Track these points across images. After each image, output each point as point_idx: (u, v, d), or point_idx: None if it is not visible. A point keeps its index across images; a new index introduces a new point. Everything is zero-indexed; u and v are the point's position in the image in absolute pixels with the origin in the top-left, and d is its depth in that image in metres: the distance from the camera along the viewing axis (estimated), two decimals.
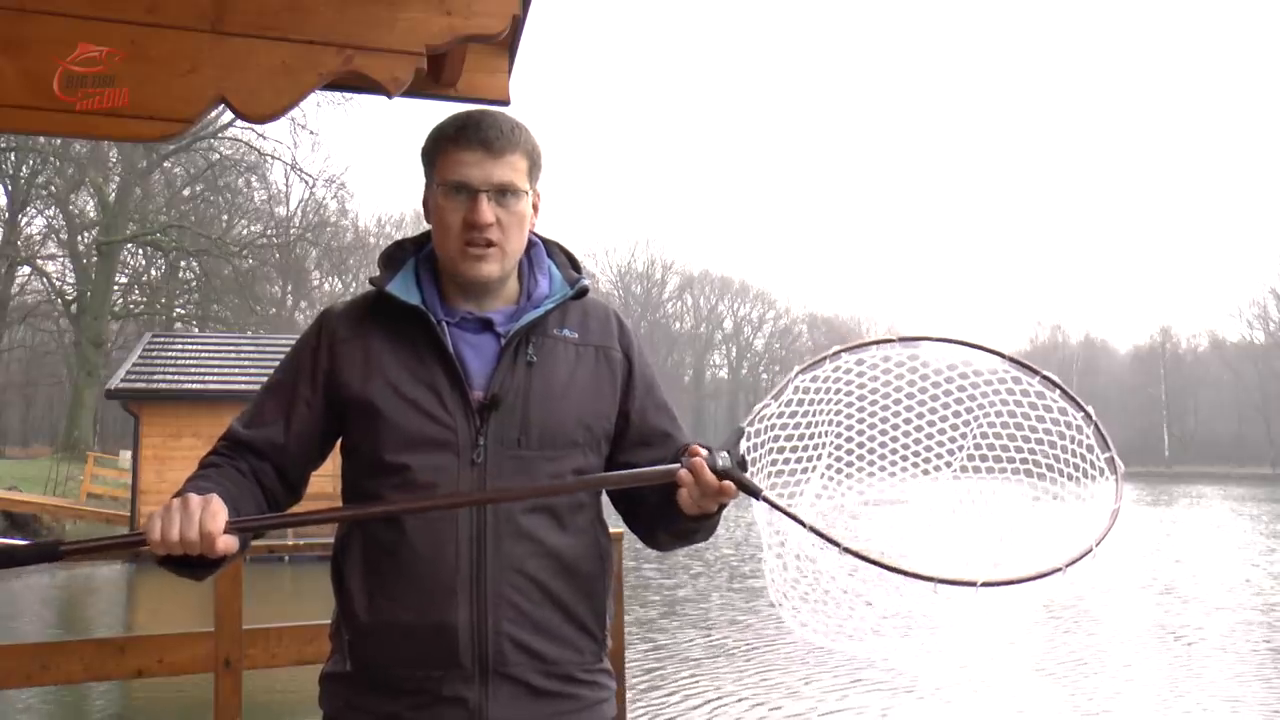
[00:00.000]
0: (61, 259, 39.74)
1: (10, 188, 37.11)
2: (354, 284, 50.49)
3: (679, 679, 9.16)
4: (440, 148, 1.59)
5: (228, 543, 1.37)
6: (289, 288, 48.53)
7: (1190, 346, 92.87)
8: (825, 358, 1.51)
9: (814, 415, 1.51)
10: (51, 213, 39.37)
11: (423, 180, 1.65)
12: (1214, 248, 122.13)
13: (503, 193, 1.56)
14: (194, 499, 1.38)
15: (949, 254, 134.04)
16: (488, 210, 1.54)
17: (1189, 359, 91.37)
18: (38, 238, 39.44)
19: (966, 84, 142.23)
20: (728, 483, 1.43)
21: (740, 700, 8.56)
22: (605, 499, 1.69)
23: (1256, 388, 79.79)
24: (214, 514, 1.37)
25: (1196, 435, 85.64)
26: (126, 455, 23.40)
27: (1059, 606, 13.23)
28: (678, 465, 1.46)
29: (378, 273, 1.64)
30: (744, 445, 1.49)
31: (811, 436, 1.52)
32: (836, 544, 1.35)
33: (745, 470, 1.48)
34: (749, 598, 14.10)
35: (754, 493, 1.44)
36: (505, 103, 2.80)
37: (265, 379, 1.70)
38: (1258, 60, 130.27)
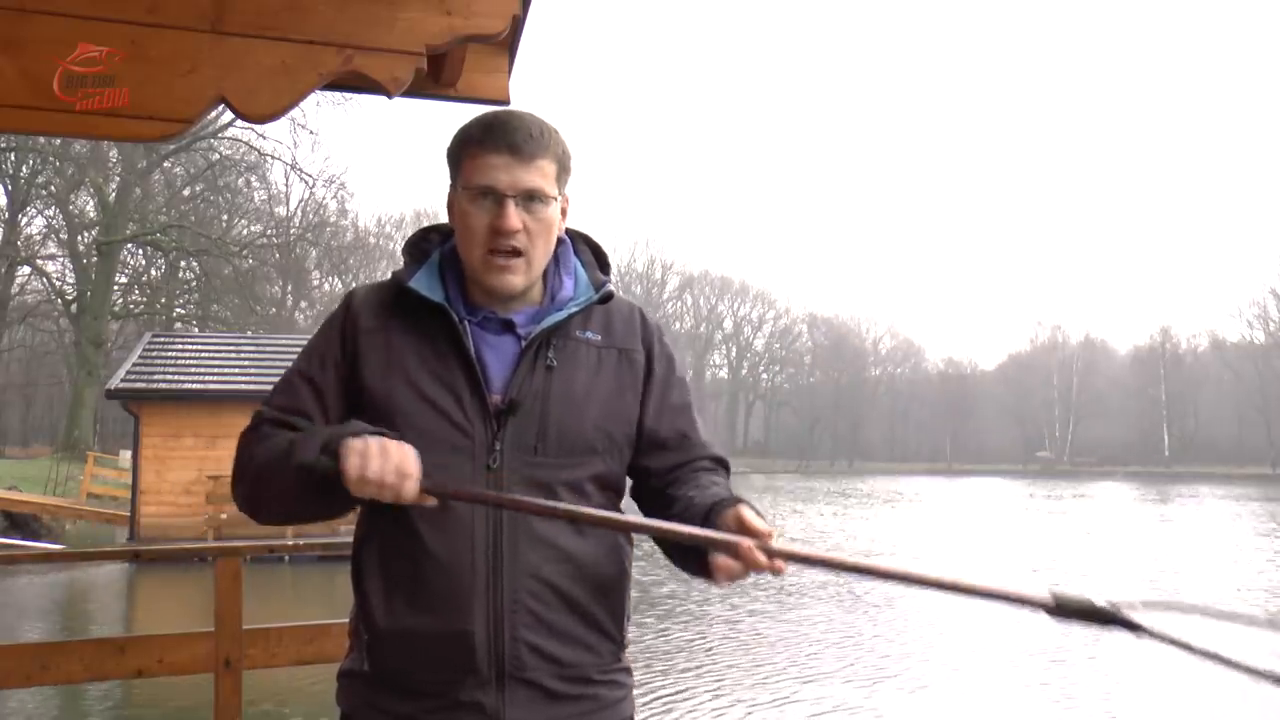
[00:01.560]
0: (61, 259, 39.81)
1: (10, 188, 37.15)
2: (354, 284, 50.33)
3: (646, 674, 9.18)
4: (466, 150, 1.54)
5: (425, 497, 1.41)
6: (289, 288, 48.52)
7: (1190, 346, 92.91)
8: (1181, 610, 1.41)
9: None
10: (51, 213, 39.45)
11: (437, 180, 1.65)
12: (1214, 248, 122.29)
13: (530, 199, 1.51)
14: (391, 442, 1.40)
15: (949, 254, 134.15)
16: (514, 217, 1.50)
17: (1189, 359, 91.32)
18: (38, 238, 39.55)
19: (967, 84, 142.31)
20: (778, 563, 1.39)
21: (704, 692, 8.62)
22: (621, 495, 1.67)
23: (1256, 388, 79.76)
24: (411, 460, 1.39)
25: (1196, 435, 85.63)
26: (126, 455, 23.39)
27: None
28: (736, 540, 1.40)
29: (379, 272, 1.63)
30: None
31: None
32: (1242, 666, 1.28)
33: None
34: (726, 594, 14.15)
35: (1128, 624, 1.33)
36: (505, 103, 2.80)
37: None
38: (1258, 60, 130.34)
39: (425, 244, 1.64)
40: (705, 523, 1.46)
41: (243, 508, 1.60)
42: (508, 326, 1.57)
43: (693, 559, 1.49)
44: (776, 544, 1.40)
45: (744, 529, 1.41)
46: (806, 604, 13.36)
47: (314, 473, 1.41)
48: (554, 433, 1.53)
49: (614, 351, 1.61)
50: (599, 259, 1.68)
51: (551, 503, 1.47)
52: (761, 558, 1.37)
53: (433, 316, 1.55)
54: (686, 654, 10.20)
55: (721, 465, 1.67)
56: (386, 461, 1.37)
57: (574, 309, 1.58)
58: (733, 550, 1.39)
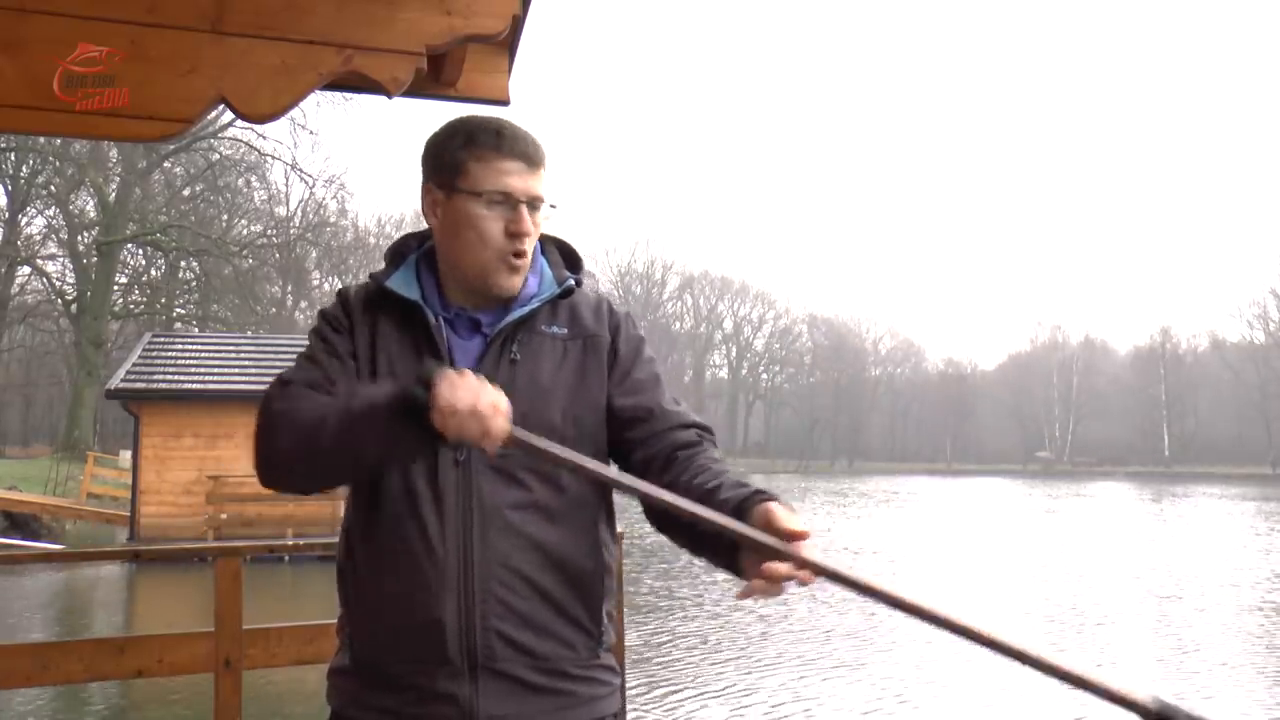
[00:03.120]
0: (61, 259, 39.80)
1: (10, 188, 37.17)
2: (354, 284, 50.34)
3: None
4: (475, 154, 1.58)
5: (506, 427, 1.35)
6: (289, 288, 48.55)
7: (1190, 346, 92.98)
8: None
9: None
10: (51, 213, 39.46)
11: (422, 180, 1.64)
12: (1214, 248, 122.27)
13: (534, 205, 1.59)
14: (482, 378, 1.36)
15: (949, 254, 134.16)
16: (529, 222, 1.57)
17: (1189, 359, 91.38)
18: (38, 238, 39.54)
19: (967, 84, 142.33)
20: (805, 574, 1.31)
21: (666, 684, 8.70)
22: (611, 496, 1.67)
23: (1256, 388, 79.83)
24: (501, 394, 1.36)
25: (1196, 435, 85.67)
26: (126, 455, 23.39)
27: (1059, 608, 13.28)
28: (778, 546, 1.31)
29: (379, 270, 1.66)
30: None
31: None
32: None
33: None
34: (712, 590, 14.19)
35: None
36: (505, 103, 2.80)
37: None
38: (1258, 60, 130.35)
39: (404, 249, 1.69)
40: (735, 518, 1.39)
41: (271, 461, 1.50)
42: (476, 325, 1.61)
43: (708, 548, 1.46)
44: (811, 554, 1.30)
45: (772, 529, 1.34)
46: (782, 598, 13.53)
47: (396, 405, 1.35)
48: (520, 424, 1.53)
49: (579, 341, 1.64)
50: (568, 258, 1.72)
51: (611, 473, 1.43)
52: (782, 567, 1.29)
53: (408, 314, 1.60)
54: (652, 648, 10.28)
55: (704, 433, 1.65)
56: (483, 393, 1.33)
57: (536, 304, 1.62)
58: (765, 553, 1.31)
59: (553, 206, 1.62)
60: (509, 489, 1.54)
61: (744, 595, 1.35)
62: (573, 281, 1.67)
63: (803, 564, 1.30)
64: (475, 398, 1.32)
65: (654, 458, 1.61)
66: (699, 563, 1.56)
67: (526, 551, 1.53)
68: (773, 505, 1.38)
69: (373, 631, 1.54)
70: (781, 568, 1.30)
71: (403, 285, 1.62)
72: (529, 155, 1.58)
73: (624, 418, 1.63)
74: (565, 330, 1.64)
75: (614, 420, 1.63)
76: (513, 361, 1.58)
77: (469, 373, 1.36)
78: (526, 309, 1.61)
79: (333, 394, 1.52)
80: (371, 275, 1.65)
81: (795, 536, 1.33)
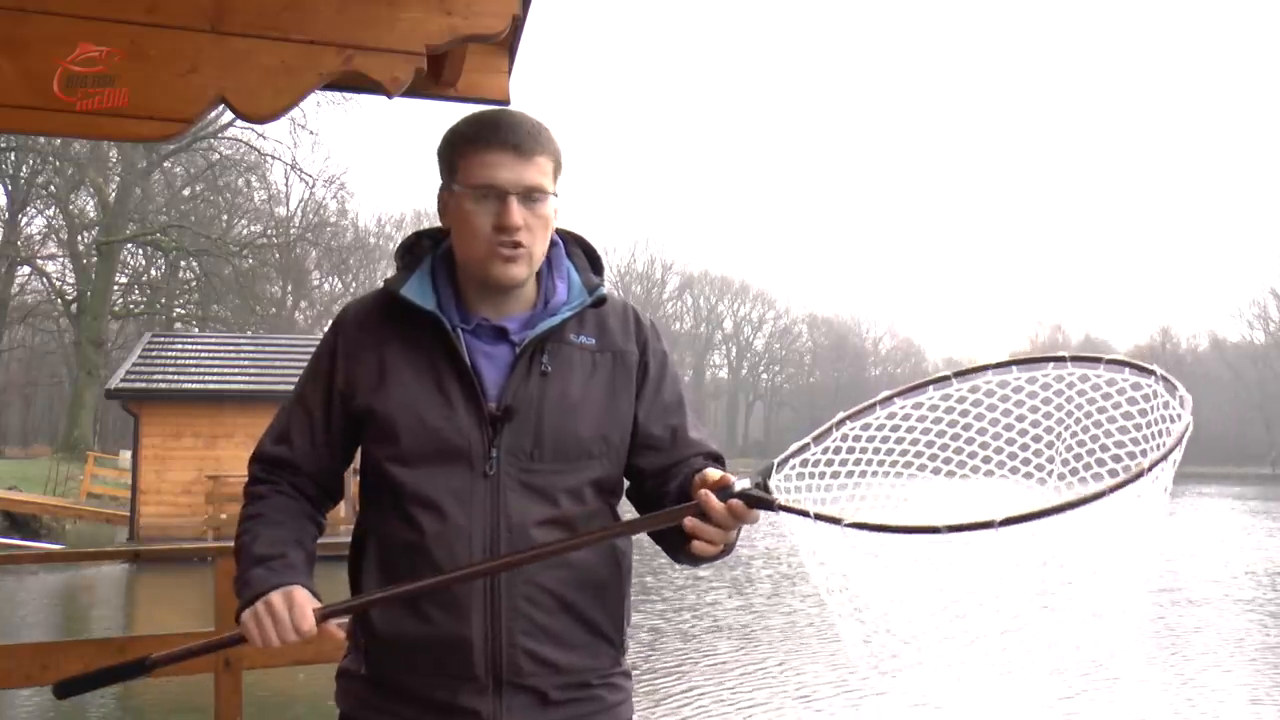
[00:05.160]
0: (61, 259, 39.74)
1: (10, 188, 37.13)
2: (354, 284, 50.42)
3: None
4: (465, 149, 1.55)
5: (327, 630, 1.48)
6: (289, 288, 48.48)
7: (1190, 346, 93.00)
8: (875, 403, 1.40)
9: (865, 464, 1.39)
10: (51, 213, 39.39)
11: (437, 181, 1.62)
12: (1214, 248, 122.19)
13: (530, 196, 1.53)
14: (278, 602, 1.45)
15: (949, 254, 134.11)
16: (518, 213, 1.51)
17: (1189, 359, 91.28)
18: (38, 238, 39.50)
19: (966, 84, 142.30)
20: (736, 503, 1.38)
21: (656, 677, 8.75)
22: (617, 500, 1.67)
23: (1256, 388, 79.82)
24: (302, 612, 1.45)
25: (1196, 435, 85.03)
26: (126, 455, 23.38)
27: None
28: (690, 506, 1.40)
29: (379, 272, 1.63)
30: (775, 479, 1.40)
31: (862, 485, 1.40)
32: (838, 520, 1.27)
33: (767, 491, 1.38)
34: (703, 584, 14.22)
35: (768, 505, 1.36)
36: (505, 103, 2.80)
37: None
38: (1258, 60, 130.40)
39: (418, 248, 1.65)
40: (681, 500, 1.47)
41: None
42: (501, 333, 1.57)
43: (680, 546, 1.50)
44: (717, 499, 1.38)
45: (703, 483, 1.42)
46: (758, 591, 13.53)
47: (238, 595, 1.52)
48: (550, 439, 1.53)
49: (608, 355, 1.61)
50: (591, 260, 1.68)
51: (467, 571, 1.46)
52: (715, 502, 1.38)
53: (426, 325, 1.56)
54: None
55: (715, 461, 1.65)
56: (282, 627, 1.44)
57: (567, 314, 1.58)
58: (694, 510, 1.40)
59: (551, 194, 1.56)
60: (537, 505, 1.52)
61: (699, 547, 1.42)
62: (604, 292, 1.63)
63: (726, 497, 1.39)
64: (280, 633, 1.45)
65: (667, 482, 1.62)
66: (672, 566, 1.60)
67: (555, 568, 1.51)
68: (708, 470, 1.47)
69: (391, 642, 1.52)
70: (713, 501, 1.38)
71: (418, 293, 1.57)
72: (518, 145, 1.52)
73: (648, 439, 1.63)
74: (594, 341, 1.61)
75: (636, 439, 1.63)
76: (543, 374, 1.55)
77: (261, 605, 1.45)
78: (558, 319, 1.57)
79: (289, 445, 1.61)
80: (385, 281, 1.61)
81: (717, 484, 1.41)
